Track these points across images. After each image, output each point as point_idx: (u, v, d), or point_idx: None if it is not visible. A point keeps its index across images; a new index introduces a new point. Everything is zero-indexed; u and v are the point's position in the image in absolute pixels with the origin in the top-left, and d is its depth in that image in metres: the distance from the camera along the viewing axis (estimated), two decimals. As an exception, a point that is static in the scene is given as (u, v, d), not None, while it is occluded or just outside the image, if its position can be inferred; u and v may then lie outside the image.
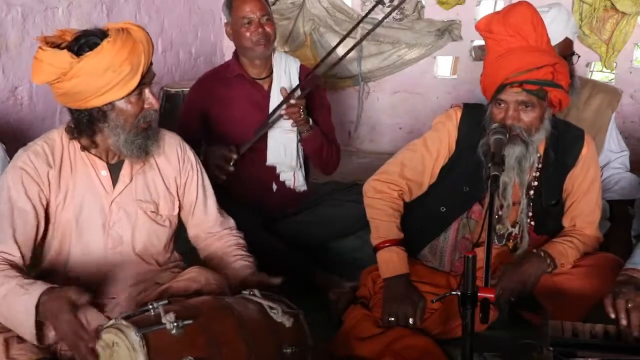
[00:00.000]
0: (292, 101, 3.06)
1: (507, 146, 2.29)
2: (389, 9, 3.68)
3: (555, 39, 2.93)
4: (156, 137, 2.22)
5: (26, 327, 1.96)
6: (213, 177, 3.00)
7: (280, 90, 3.13)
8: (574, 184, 2.52)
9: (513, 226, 2.51)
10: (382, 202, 2.51)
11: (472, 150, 2.42)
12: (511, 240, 2.53)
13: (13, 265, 2.08)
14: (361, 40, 3.47)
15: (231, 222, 2.53)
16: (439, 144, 2.50)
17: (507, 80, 2.28)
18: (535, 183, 2.48)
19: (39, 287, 1.96)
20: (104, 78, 2.02)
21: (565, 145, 2.48)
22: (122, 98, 2.08)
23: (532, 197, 2.48)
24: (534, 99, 2.31)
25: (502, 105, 2.33)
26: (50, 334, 2.01)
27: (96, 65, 2.01)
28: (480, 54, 5.13)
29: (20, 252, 2.11)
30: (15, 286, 1.98)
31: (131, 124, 2.12)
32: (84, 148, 2.19)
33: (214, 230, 2.47)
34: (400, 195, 2.52)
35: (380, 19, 3.33)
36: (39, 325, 1.97)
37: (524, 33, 2.30)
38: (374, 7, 3.61)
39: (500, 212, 2.46)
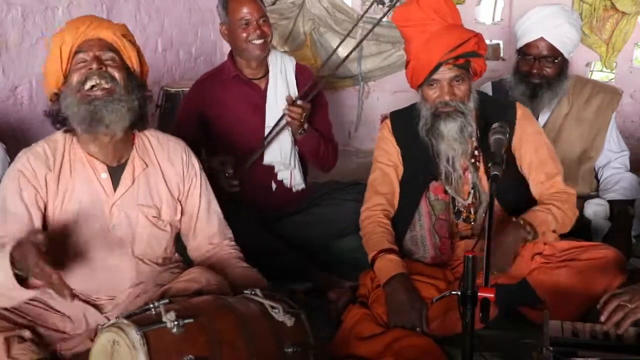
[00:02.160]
0: (299, 102, 3.06)
1: (446, 121, 2.46)
2: (388, 9, 3.69)
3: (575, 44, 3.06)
4: (114, 113, 2.14)
5: (7, 282, 1.91)
6: (227, 189, 3.03)
7: (286, 98, 3.13)
8: (521, 148, 2.59)
9: (466, 199, 2.59)
10: (370, 225, 2.61)
11: (413, 145, 2.59)
12: (465, 211, 2.60)
13: None
14: (361, 41, 3.48)
15: (230, 232, 2.51)
16: (388, 155, 2.67)
17: (442, 59, 2.41)
18: (477, 152, 2.57)
19: (8, 248, 1.91)
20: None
21: (496, 113, 2.57)
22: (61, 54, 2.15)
23: (479, 166, 2.57)
24: (464, 72, 2.47)
25: (435, 85, 2.47)
26: (33, 281, 1.94)
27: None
28: (480, 53, 5.13)
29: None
30: None
31: (76, 91, 2.13)
32: (83, 145, 2.19)
33: (215, 240, 2.45)
34: (386, 214, 2.63)
35: (379, 18, 3.34)
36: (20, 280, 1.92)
37: (442, 14, 2.48)
38: (370, 5, 3.62)
39: (449, 190, 2.56)
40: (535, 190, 2.60)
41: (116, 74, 2.15)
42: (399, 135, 2.66)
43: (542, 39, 3.06)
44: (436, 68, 2.44)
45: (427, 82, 2.48)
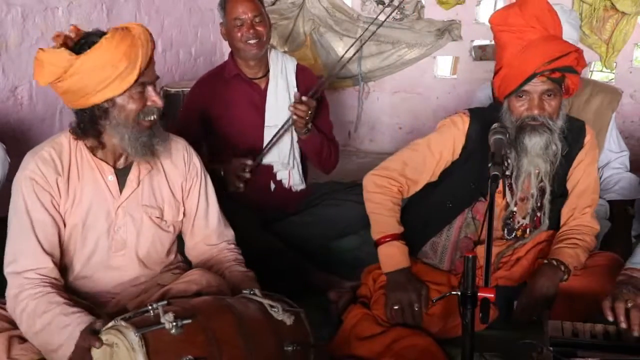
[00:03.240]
0: (304, 98, 3.06)
1: (531, 135, 2.33)
2: (390, 9, 3.70)
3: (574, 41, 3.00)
4: (162, 136, 2.20)
5: (64, 354, 1.94)
6: (233, 187, 3.06)
7: (295, 95, 3.13)
8: (575, 169, 2.54)
9: (523, 218, 2.52)
10: (382, 197, 2.51)
11: (478, 153, 2.43)
12: (520, 230, 2.54)
13: (54, 285, 2.08)
14: (364, 42, 3.48)
15: (230, 234, 2.49)
16: (442, 148, 2.51)
17: (538, 70, 2.29)
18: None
19: (80, 321, 1.95)
20: (102, 73, 2.03)
21: (571, 137, 2.48)
22: (122, 94, 2.07)
23: (543, 188, 2.49)
24: (556, 87, 2.33)
25: (525, 97, 2.34)
26: None
27: (94, 61, 2.02)
28: (480, 53, 5.13)
29: (53, 262, 2.11)
30: (58, 315, 1.99)
31: (133, 120, 2.10)
32: (91, 149, 2.18)
33: (212, 242, 2.44)
34: (400, 190, 2.53)
35: (381, 19, 3.33)
36: None
37: (544, 23, 2.33)
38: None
39: (515, 208, 2.49)
40: (564, 212, 2.57)
41: (159, 102, 2.17)
42: (472, 137, 2.48)
43: None
44: (530, 78, 2.30)
45: (516, 93, 2.34)
